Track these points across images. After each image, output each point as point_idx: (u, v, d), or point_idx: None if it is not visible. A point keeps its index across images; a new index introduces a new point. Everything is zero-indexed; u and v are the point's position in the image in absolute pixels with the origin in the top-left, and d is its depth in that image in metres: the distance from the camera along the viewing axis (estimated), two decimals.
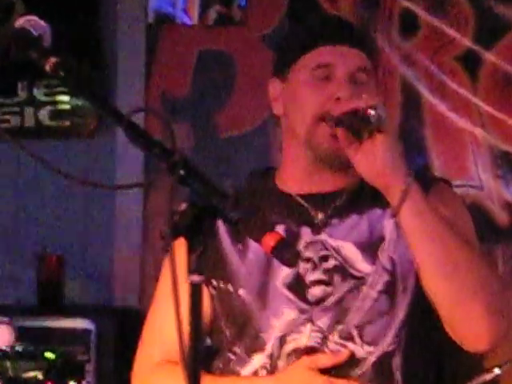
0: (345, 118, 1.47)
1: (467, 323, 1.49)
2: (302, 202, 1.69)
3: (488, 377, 2.35)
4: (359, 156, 1.46)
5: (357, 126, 1.46)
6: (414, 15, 2.70)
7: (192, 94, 2.67)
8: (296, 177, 1.70)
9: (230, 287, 1.64)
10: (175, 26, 2.70)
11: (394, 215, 1.52)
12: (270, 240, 1.21)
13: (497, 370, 2.28)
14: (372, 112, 1.43)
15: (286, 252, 1.24)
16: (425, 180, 1.66)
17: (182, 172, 1.12)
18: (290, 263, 1.30)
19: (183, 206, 1.15)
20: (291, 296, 1.67)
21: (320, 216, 1.70)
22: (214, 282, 1.64)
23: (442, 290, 1.48)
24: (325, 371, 1.54)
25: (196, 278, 1.08)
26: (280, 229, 1.66)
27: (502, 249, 2.63)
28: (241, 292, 1.66)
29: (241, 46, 2.71)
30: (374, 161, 1.46)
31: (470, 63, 2.67)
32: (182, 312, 1.06)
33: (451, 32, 2.70)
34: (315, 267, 1.69)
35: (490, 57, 2.66)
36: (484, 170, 2.67)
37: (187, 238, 1.12)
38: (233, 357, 1.67)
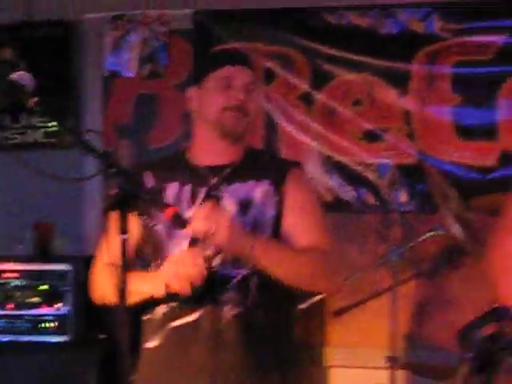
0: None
1: (307, 289, 2.25)
2: (204, 170, 2.24)
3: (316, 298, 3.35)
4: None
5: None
6: (272, 70, 3.88)
7: (132, 121, 3.86)
8: (201, 152, 2.26)
9: (152, 223, 2.21)
10: (122, 78, 3.86)
11: (253, 265, 2.11)
12: (169, 212, 1.89)
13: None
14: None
15: (177, 220, 1.92)
16: (283, 165, 2.32)
17: (113, 170, 1.73)
18: (180, 227, 1.98)
19: (113, 191, 1.73)
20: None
21: (214, 180, 2.26)
22: (144, 220, 2.20)
23: (287, 282, 2.12)
24: (205, 286, 2.06)
25: (124, 235, 1.69)
26: (188, 188, 2.24)
27: (329, 218, 3.75)
28: (157, 227, 2.23)
29: (163, 90, 3.86)
30: (229, 242, 2.04)
31: (307, 100, 3.88)
32: (119, 238, 1.66)
33: (295, 80, 3.88)
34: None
35: (320, 96, 3.88)
36: (317, 167, 3.89)
37: (117, 209, 1.71)
38: (150, 269, 2.24)
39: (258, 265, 2.10)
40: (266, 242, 2.18)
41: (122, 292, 1.76)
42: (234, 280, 2.19)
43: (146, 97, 3.87)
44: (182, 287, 2.07)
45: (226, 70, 2.25)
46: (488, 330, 1.98)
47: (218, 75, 2.25)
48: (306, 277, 2.23)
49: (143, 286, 2.16)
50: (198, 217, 2.05)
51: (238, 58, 2.37)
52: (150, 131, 3.91)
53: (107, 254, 1.94)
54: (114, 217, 1.75)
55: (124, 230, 1.74)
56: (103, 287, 2.19)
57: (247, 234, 2.11)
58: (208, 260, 2.10)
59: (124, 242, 1.74)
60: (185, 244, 2.19)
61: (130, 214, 1.84)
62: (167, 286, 2.11)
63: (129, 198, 1.79)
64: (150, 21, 3.86)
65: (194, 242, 2.15)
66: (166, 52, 3.89)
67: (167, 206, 2.02)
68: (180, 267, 2.07)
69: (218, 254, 2.11)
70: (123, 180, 1.78)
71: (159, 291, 2.15)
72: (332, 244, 2.31)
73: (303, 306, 3.26)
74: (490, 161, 3.82)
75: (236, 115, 2.25)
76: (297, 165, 2.42)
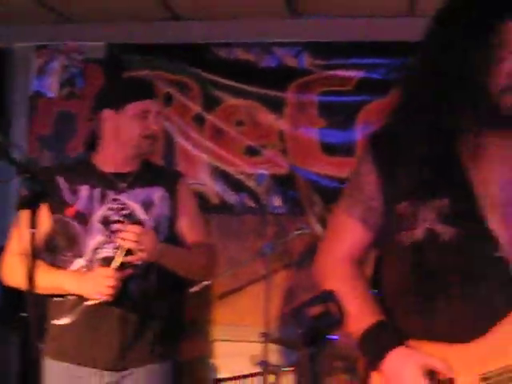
0: None
1: (196, 279, 2.82)
2: (110, 176, 2.42)
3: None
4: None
5: None
6: (171, 95, 4.31)
7: (54, 134, 4.26)
8: (107, 161, 2.43)
9: (67, 218, 2.31)
10: (45, 98, 4.25)
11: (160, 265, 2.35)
12: (71, 211, 2.24)
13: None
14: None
15: (79, 218, 2.22)
16: (174, 175, 2.58)
17: (26, 174, 1.83)
18: (82, 224, 2.26)
19: (24, 192, 1.83)
20: (101, 228, 2.37)
21: (121, 185, 2.41)
22: (57, 216, 2.31)
23: (182, 275, 2.47)
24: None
25: (32, 230, 1.78)
26: (98, 190, 2.40)
27: (215, 219, 4.27)
28: (73, 222, 2.34)
29: (79, 109, 4.26)
30: (150, 256, 2.29)
31: (200, 121, 4.34)
32: (28, 232, 1.78)
33: (190, 104, 4.33)
34: (116, 213, 2.41)
35: (210, 117, 4.34)
36: (206, 176, 4.34)
37: (28, 208, 1.82)
38: (65, 258, 2.34)
39: (164, 266, 2.37)
40: (171, 249, 2.44)
41: (30, 278, 1.84)
42: (138, 268, 2.38)
43: (65, 114, 4.31)
44: (101, 298, 2.30)
45: (143, 104, 2.44)
46: (316, 310, 2.08)
47: (136, 107, 2.44)
48: (196, 271, 2.56)
49: (53, 282, 2.33)
50: (130, 236, 2.29)
51: (150, 92, 2.53)
52: (67, 143, 4.32)
53: (18, 245, 2.09)
54: (25, 214, 1.82)
55: (33, 226, 1.81)
56: (13, 273, 2.33)
57: (159, 246, 2.34)
58: (122, 267, 2.31)
59: (33, 236, 1.82)
60: (98, 239, 2.36)
61: (43, 211, 2.00)
62: (85, 296, 2.31)
63: (38, 198, 1.88)
64: (69, 50, 4.29)
65: (108, 236, 2.33)
66: (82, 77, 4.30)
67: (70, 205, 2.29)
68: (97, 287, 2.27)
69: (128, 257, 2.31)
70: (34, 183, 1.88)
71: (72, 292, 2.35)
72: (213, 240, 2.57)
73: (194, 289, 3.54)
74: (349, 173, 4.29)
75: (151, 142, 2.46)
76: (183, 175, 2.64)
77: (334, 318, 1.89)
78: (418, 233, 1.76)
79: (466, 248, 1.73)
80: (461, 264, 1.73)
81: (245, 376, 4.04)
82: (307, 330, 1.80)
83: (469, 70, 1.70)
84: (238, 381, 4.09)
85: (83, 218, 2.33)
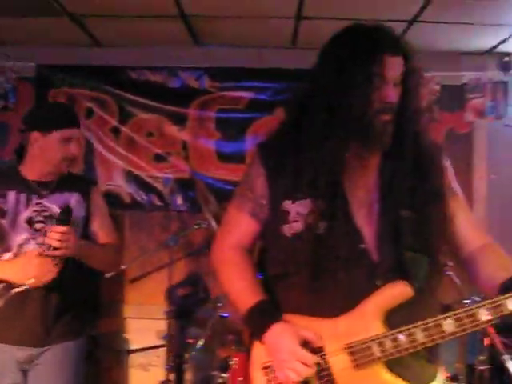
0: None
1: (104, 271, 2.84)
2: (34, 184, 2.65)
3: None
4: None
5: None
6: (92, 109, 4.68)
7: None
8: (33, 172, 2.65)
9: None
10: None
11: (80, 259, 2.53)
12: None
13: None
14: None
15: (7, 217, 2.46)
16: (87, 183, 2.86)
17: None
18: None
19: None
20: (26, 227, 2.60)
21: (43, 192, 2.65)
22: None
23: (96, 268, 2.70)
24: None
25: None
26: (23, 195, 2.61)
27: (128, 215, 4.66)
28: (2, 221, 2.57)
29: (12, 120, 4.49)
30: (72, 252, 2.48)
31: (116, 132, 4.71)
32: None
33: (108, 117, 4.72)
34: (38, 214, 2.63)
35: (124, 129, 4.73)
36: (121, 178, 4.71)
37: None
38: None
39: (81, 259, 2.58)
40: (88, 246, 2.65)
41: None
42: (59, 260, 2.56)
43: (0, 124, 4.58)
44: (36, 283, 2.44)
45: (67, 132, 2.65)
46: (185, 290, 2.41)
47: (61, 134, 2.64)
48: (104, 265, 2.84)
49: None
50: (56, 235, 2.45)
51: (74, 120, 2.71)
52: (2, 149, 4.59)
53: None
54: None
55: None
56: None
57: (79, 243, 2.53)
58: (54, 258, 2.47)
59: None
60: (24, 236, 2.56)
61: None
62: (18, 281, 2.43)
63: None
64: (3, 70, 4.58)
65: (34, 233, 2.53)
66: (15, 92, 4.64)
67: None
68: (33, 271, 2.42)
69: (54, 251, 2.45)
70: None
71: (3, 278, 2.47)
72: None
73: (109, 274, 3.52)
74: (239, 177, 4.02)
75: (69, 164, 2.70)
76: (96, 183, 2.96)
77: (200, 297, 2.35)
78: (298, 226, 1.91)
79: (336, 240, 1.88)
80: (332, 253, 1.88)
81: (152, 347, 4.35)
82: (177, 306, 2.22)
83: (353, 97, 1.86)
84: (146, 352, 4.43)
85: (10, 218, 2.52)
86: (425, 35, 4.39)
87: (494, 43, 4.61)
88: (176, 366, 2.86)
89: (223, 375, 3.63)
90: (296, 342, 1.84)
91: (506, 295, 1.75)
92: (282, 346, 1.85)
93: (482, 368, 3.68)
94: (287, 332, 1.86)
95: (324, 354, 1.88)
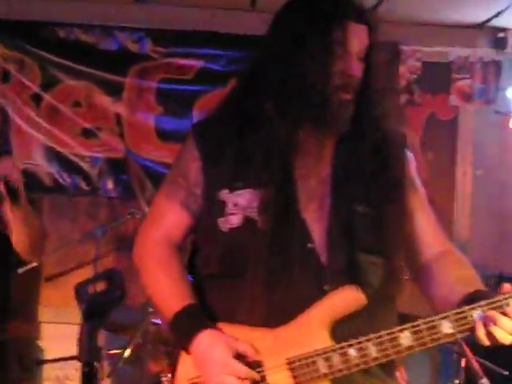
0: None
1: (25, 255, 2.94)
2: None
3: None
4: None
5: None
6: (9, 72, 4.53)
7: None
8: None
9: None
10: None
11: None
12: None
13: None
14: None
15: None
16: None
17: None
18: None
19: None
20: None
21: None
22: None
23: (18, 246, 2.87)
24: None
25: None
26: None
27: (48, 199, 4.55)
28: None
29: None
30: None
31: (37, 100, 4.60)
32: None
33: (28, 82, 4.60)
34: None
35: (47, 97, 4.63)
36: (41, 156, 4.60)
37: None
38: None
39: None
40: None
41: None
42: None
43: None
44: None
45: None
46: (99, 286, 2.25)
47: None
48: (27, 236, 2.87)
49: None
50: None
51: None
52: None
53: None
54: None
55: None
56: None
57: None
58: None
59: None
60: None
61: None
62: None
63: None
64: None
65: None
66: None
67: None
68: None
69: None
70: None
71: None
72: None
73: (22, 270, 3.54)
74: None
75: None
76: (7, 154, 3.01)
77: (116, 295, 2.22)
78: (236, 219, 1.89)
79: (279, 237, 1.86)
80: (274, 252, 1.85)
81: (69, 358, 4.10)
82: (88, 305, 2.12)
83: (309, 67, 1.84)
84: (63, 363, 4.32)
85: None
86: (406, 3, 4.50)
87: (488, 16, 4.69)
88: (86, 378, 2.56)
89: None
90: (228, 353, 1.82)
91: (473, 305, 1.76)
92: (212, 358, 1.83)
93: None
94: (218, 341, 1.84)
95: (261, 370, 1.85)
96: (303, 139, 1.92)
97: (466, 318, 1.76)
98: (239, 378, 1.82)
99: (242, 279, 1.88)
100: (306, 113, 1.88)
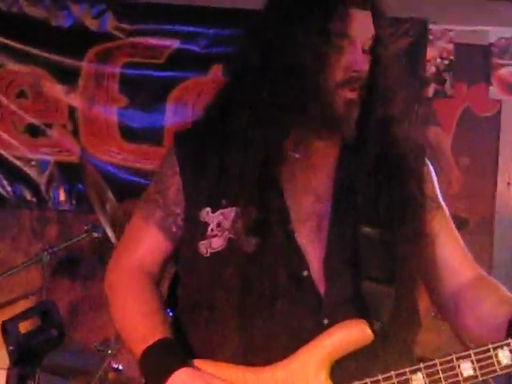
0: None
1: None
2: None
3: None
4: None
5: None
6: None
7: None
8: None
9: None
10: None
11: None
12: None
13: None
14: None
15: None
16: None
17: None
18: None
19: None
20: None
21: None
22: None
23: None
24: None
25: None
26: None
27: None
28: None
29: None
30: None
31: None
32: None
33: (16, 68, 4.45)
34: None
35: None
36: None
37: None
38: None
39: None
40: None
41: None
42: None
43: None
44: None
45: None
46: (30, 323, 2.15)
47: None
48: None
49: None
50: None
51: None
52: None
53: None
54: None
55: None
56: None
57: None
58: None
59: None
60: None
61: None
62: None
63: None
64: None
65: None
66: None
67: None
68: None
69: None
70: None
71: None
72: None
73: None
74: (153, 165, 4.26)
75: None
76: None
77: (51, 333, 2.07)
78: (219, 242, 1.95)
79: (269, 263, 1.91)
80: (263, 280, 1.89)
81: None
82: (17, 346, 1.99)
83: (305, 61, 1.89)
84: None
85: None
86: None
87: None
88: None
89: None
90: None
91: (496, 344, 1.79)
92: None
93: None
94: (195, 380, 1.86)
95: None
96: (296, 148, 1.99)
97: (491, 357, 1.81)
98: None
99: (225, 311, 1.93)
100: (303, 115, 1.93)
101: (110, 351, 3.57)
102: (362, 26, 1.96)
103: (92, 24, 4.55)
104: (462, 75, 4.70)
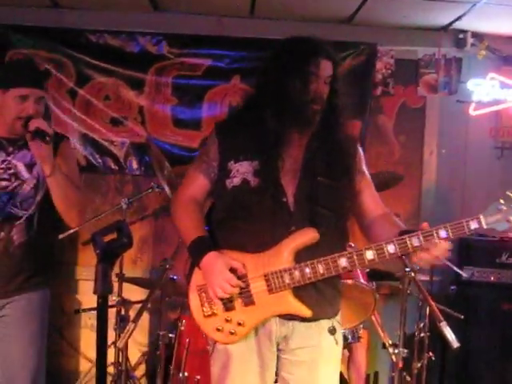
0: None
1: (67, 216, 3.01)
2: (2, 140, 2.99)
3: None
4: None
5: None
6: (49, 71, 5.06)
7: None
8: (0, 129, 2.95)
9: None
10: None
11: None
12: None
13: None
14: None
15: None
16: (58, 137, 3.06)
17: None
18: None
19: None
20: None
21: (11, 149, 2.98)
22: None
23: (60, 205, 2.91)
24: None
25: None
26: None
27: (83, 177, 4.78)
28: None
29: None
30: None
31: (72, 94, 5.18)
32: None
33: (65, 79, 5.14)
34: (4, 172, 2.95)
35: (81, 91, 5.21)
36: (77, 141, 5.13)
37: None
38: None
39: (52, 186, 2.87)
40: (60, 172, 2.91)
41: None
42: (23, 218, 2.94)
43: None
44: None
45: (25, 90, 2.93)
46: (109, 236, 2.41)
47: (17, 92, 2.92)
48: (70, 204, 2.95)
49: None
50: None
51: (33, 79, 2.95)
52: None
53: None
54: None
55: None
56: None
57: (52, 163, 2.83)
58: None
59: None
60: None
61: None
62: None
63: None
64: None
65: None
66: None
67: None
68: None
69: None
70: None
71: None
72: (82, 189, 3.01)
73: (62, 236, 3.86)
74: (195, 144, 5.22)
75: (23, 123, 2.89)
76: (66, 138, 3.24)
77: (124, 242, 2.36)
78: (237, 180, 2.47)
79: (264, 193, 2.41)
80: (261, 202, 2.41)
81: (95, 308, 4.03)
82: (102, 250, 2.23)
83: (294, 87, 2.40)
84: (94, 313, 4.27)
85: None
86: (381, 10, 4.89)
87: (450, 20, 5.09)
88: (100, 308, 2.59)
89: (170, 335, 4.04)
90: (225, 267, 2.41)
91: (411, 234, 2.29)
92: (214, 269, 2.40)
93: (421, 335, 4.40)
94: (219, 259, 2.41)
95: (246, 279, 2.47)
96: (289, 134, 2.52)
97: (405, 243, 2.29)
98: (231, 284, 2.43)
99: (237, 221, 2.46)
100: (292, 117, 2.47)
101: (167, 266, 3.81)
102: (325, 69, 2.46)
103: (153, 49, 5.22)
104: (399, 80, 5.35)
